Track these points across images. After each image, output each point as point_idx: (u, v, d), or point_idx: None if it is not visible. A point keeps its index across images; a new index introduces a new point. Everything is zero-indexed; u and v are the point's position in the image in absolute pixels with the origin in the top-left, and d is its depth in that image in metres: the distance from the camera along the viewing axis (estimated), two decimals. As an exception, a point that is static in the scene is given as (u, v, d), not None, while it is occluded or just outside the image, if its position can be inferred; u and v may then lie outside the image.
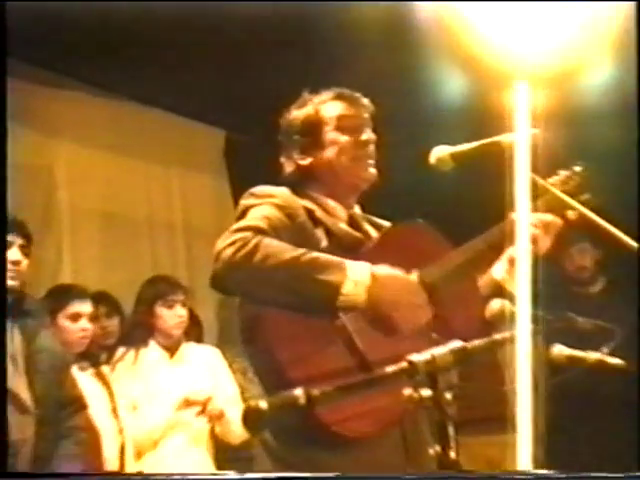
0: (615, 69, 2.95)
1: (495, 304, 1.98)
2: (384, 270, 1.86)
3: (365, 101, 2.12)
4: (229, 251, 1.83)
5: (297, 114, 2.12)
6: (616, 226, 1.91)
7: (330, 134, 2.10)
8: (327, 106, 2.11)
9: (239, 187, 5.17)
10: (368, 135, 2.08)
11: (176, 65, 3.65)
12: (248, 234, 1.85)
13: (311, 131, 2.09)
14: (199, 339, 3.77)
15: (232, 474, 1.73)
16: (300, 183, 2.08)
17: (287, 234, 1.92)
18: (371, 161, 2.09)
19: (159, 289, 3.61)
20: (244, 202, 2.01)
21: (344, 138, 2.09)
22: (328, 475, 1.71)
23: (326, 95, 2.12)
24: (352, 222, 2.10)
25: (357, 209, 2.14)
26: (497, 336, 1.58)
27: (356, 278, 1.83)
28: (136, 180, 4.49)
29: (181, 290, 3.60)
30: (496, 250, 2.00)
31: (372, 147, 2.09)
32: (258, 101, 3.34)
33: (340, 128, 2.09)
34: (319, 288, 1.81)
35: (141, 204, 4.51)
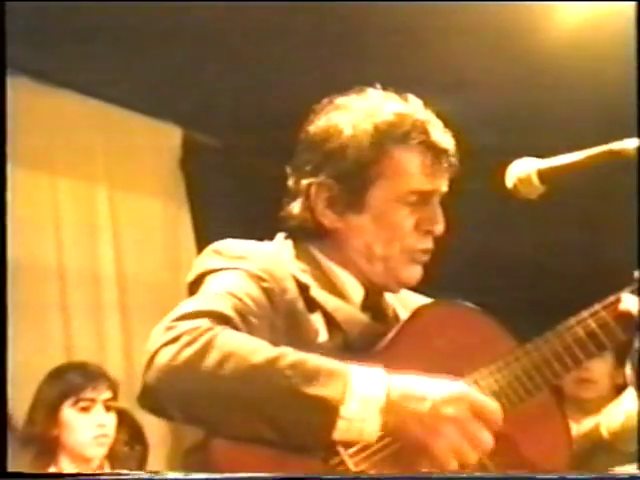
0: (615, 69, 2.76)
1: (615, 414, 1.72)
2: (410, 381, 1.51)
3: (450, 144, 1.76)
4: (168, 352, 1.48)
5: (344, 140, 1.72)
6: None
7: (382, 206, 1.73)
8: (404, 157, 1.72)
9: (204, 218, 4.11)
10: (440, 222, 1.75)
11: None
12: (201, 324, 1.51)
13: (355, 184, 1.72)
14: (141, 460, 3.08)
15: (231, 474, 1.48)
16: (308, 236, 1.77)
17: (264, 322, 1.60)
18: (425, 258, 1.76)
19: (68, 383, 2.94)
20: (202, 262, 1.70)
21: (403, 222, 1.73)
22: (328, 475, 1.49)
23: (405, 132, 1.72)
24: (371, 303, 1.79)
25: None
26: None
27: (364, 393, 1.48)
28: (41, 205, 3.76)
29: (105, 383, 2.98)
30: (598, 343, 1.64)
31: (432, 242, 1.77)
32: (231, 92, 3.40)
33: (403, 205, 1.73)
34: (306, 410, 1.47)
35: (48, 243, 3.76)
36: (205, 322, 1.52)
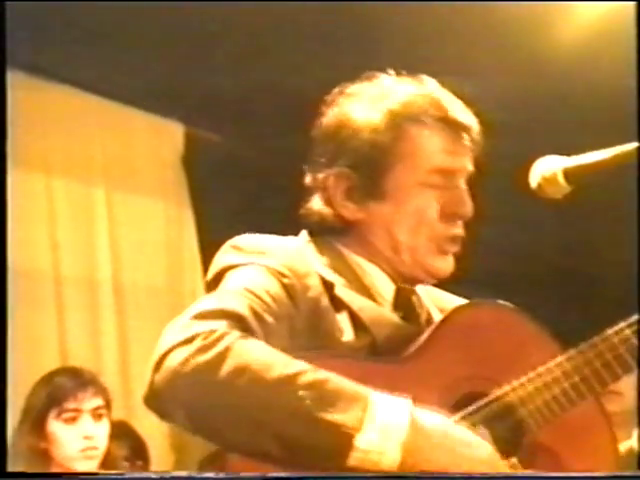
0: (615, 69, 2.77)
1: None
2: (435, 420, 1.44)
3: (475, 125, 1.70)
4: (181, 354, 1.43)
5: (359, 126, 1.67)
6: None
7: (404, 190, 1.67)
8: (422, 134, 1.67)
9: (208, 219, 4.05)
10: (468, 205, 1.68)
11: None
12: (219, 326, 1.46)
13: (373, 169, 1.66)
14: None
15: (230, 474, 1.48)
16: (331, 231, 1.72)
17: (283, 321, 1.54)
18: (455, 247, 1.69)
19: (52, 391, 2.77)
20: (221, 259, 1.65)
21: (426, 205, 1.67)
22: (327, 475, 1.44)
23: (420, 108, 1.68)
24: (402, 301, 1.71)
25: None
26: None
27: (385, 423, 1.41)
28: (36, 205, 3.70)
29: (93, 390, 2.80)
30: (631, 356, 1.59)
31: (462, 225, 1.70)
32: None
33: (426, 187, 1.67)
34: (318, 435, 1.41)
35: (42, 248, 3.72)
36: (222, 325, 1.47)
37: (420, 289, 1.78)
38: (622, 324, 1.63)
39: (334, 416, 1.42)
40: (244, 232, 1.72)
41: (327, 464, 1.44)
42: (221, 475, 1.51)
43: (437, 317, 1.74)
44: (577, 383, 1.58)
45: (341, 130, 1.70)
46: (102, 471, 2.72)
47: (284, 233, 1.73)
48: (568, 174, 1.66)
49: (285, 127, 3.34)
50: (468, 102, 1.76)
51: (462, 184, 1.72)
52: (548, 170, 1.66)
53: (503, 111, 3.78)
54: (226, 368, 1.43)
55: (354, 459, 1.42)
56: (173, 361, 1.44)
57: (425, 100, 1.70)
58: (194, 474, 1.58)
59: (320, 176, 1.72)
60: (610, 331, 1.63)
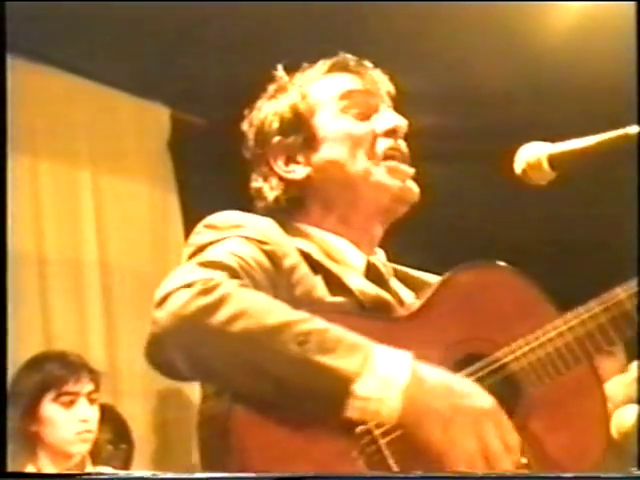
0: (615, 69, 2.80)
1: (629, 413, 1.76)
2: (439, 375, 1.46)
3: (378, 73, 1.83)
4: (182, 296, 1.46)
5: (273, 105, 1.83)
6: None
7: (331, 125, 1.76)
8: (320, 84, 1.81)
9: (194, 203, 4.06)
10: (394, 120, 1.77)
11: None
12: (216, 275, 1.50)
13: (300, 126, 1.78)
14: (125, 461, 3.03)
15: (228, 474, 1.47)
16: (288, 213, 1.77)
17: (268, 284, 1.57)
18: (406, 168, 1.74)
19: (47, 375, 2.80)
20: (196, 239, 1.67)
21: (356, 127, 1.76)
22: (327, 475, 1.46)
23: (315, 69, 1.84)
24: (372, 275, 1.73)
25: (381, 255, 1.82)
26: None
27: (386, 373, 1.42)
28: (20, 188, 3.61)
29: (88, 375, 2.84)
30: (626, 322, 1.60)
31: (403, 141, 1.76)
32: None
33: (346, 112, 1.77)
34: (316, 379, 1.42)
35: (26, 229, 3.67)
36: (219, 274, 1.50)
37: (387, 266, 1.80)
38: (618, 289, 1.63)
39: (334, 362, 1.42)
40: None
41: (325, 410, 1.45)
42: (222, 475, 1.51)
43: (404, 294, 1.75)
44: (573, 346, 1.59)
45: (263, 122, 1.81)
46: (102, 471, 2.79)
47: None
48: (553, 160, 1.66)
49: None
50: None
51: (385, 107, 1.78)
52: (532, 156, 1.66)
53: (501, 109, 3.80)
54: (226, 311, 1.45)
55: (353, 408, 1.42)
56: (174, 303, 1.46)
57: (326, 65, 1.81)
58: (194, 474, 1.57)
59: (258, 157, 1.80)
60: (605, 295, 1.64)
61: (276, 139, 1.78)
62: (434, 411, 1.44)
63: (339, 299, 1.63)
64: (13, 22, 3.34)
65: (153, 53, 3.72)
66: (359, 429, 1.48)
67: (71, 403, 2.81)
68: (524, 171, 1.67)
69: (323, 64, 1.83)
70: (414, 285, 1.79)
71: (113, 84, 3.98)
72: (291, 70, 1.87)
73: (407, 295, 1.76)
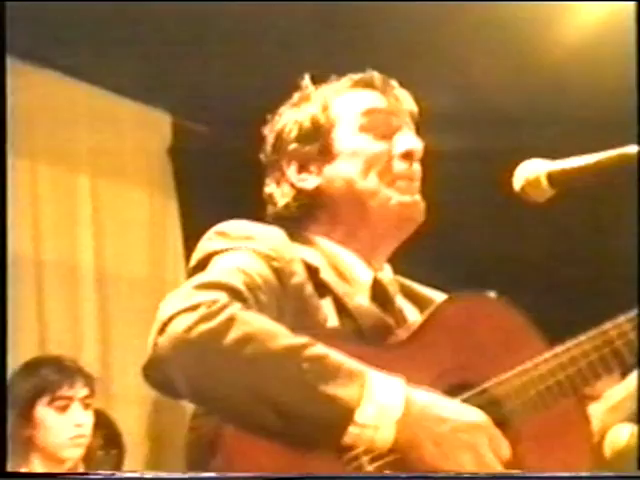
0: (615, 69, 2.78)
1: (621, 433, 1.70)
2: (430, 398, 1.50)
3: (403, 93, 1.86)
4: (185, 320, 1.46)
5: (295, 113, 1.85)
6: None
7: (348, 141, 1.79)
8: (344, 98, 1.83)
9: (193, 210, 4.05)
10: (412, 143, 1.79)
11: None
12: (220, 297, 1.50)
13: (317, 137, 1.81)
14: (117, 465, 3.04)
15: (233, 474, 1.48)
16: (298, 220, 1.80)
17: (273, 303, 1.58)
18: (416, 184, 1.78)
19: (42, 379, 2.84)
20: (206, 245, 1.68)
21: (372, 146, 1.78)
22: (327, 475, 1.47)
23: (341, 83, 1.86)
24: (378, 292, 1.76)
25: (388, 270, 1.83)
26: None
27: (383, 400, 1.46)
28: (19, 192, 3.59)
29: (82, 380, 2.88)
30: (615, 359, 1.63)
31: (418, 164, 1.79)
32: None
33: (366, 130, 1.79)
34: (319, 407, 1.44)
35: (24, 231, 3.67)
36: (223, 296, 1.49)
37: (394, 282, 1.81)
38: (608, 324, 1.64)
39: (335, 390, 1.44)
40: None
41: (324, 437, 1.46)
42: (221, 475, 1.52)
43: (409, 312, 1.78)
44: (562, 381, 1.60)
45: (282, 129, 1.83)
46: (101, 471, 2.80)
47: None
48: (552, 178, 1.67)
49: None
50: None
51: (407, 129, 1.79)
52: (532, 173, 1.68)
53: (502, 110, 3.81)
54: (231, 337, 1.45)
55: (350, 434, 1.45)
56: (177, 327, 1.46)
57: (353, 80, 1.83)
58: (193, 474, 1.57)
59: (273, 162, 1.83)
60: (595, 331, 1.64)
61: (292, 146, 1.80)
62: (427, 430, 1.46)
63: (338, 324, 1.64)
64: (13, 23, 3.39)
65: (156, 58, 3.70)
66: (348, 455, 1.48)
67: (65, 408, 2.85)
68: (523, 188, 1.69)
69: (349, 78, 1.85)
70: (420, 302, 1.81)
71: (115, 89, 3.97)
72: (319, 81, 1.88)
73: (411, 313, 1.78)
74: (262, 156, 1.89)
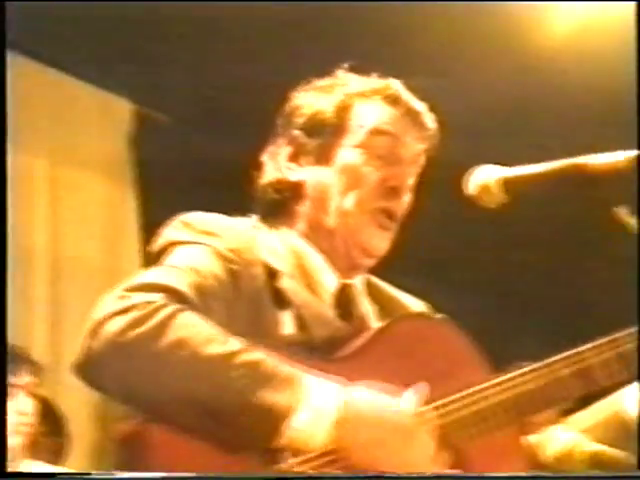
0: (615, 69, 2.85)
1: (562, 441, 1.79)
2: (365, 396, 1.52)
3: (426, 117, 1.78)
4: (117, 323, 1.45)
5: (312, 99, 1.78)
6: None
7: (346, 152, 1.74)
8: (360, 107, 1.77)
9: (152, 199, 4.03)
10: (404, 179, 1.73)
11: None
12: (156, 298, 1.48)
13: (321, 134, 1.76)
14: (60, 455, 3.00)
15: (228, 474, 1.50)
16: (275, 206, 1.77)
17: (223, 306, 1.56)
18: (394, 224, 1.74)
19: None
20: (170, 233, 1.66)
21: (365, 168, 1.72)
22: (328, 475, 1.49)
23: (366, 86, 1.78)
24: (341, 299, 1.74)
25: (359, 281, 1.79)
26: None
27: (319, 405, 1.47)
28: None
29: (28, 368, 2.86)
30: (558, 392, 1.61)
31: (405, 199, 1.75)
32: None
33: (367, 148, 1.73)
34: (254, 413, 1.45)
35: None
36: (159, 298, 1.48)
37: (363, 282, 1.79)
38: (556, 357, 1.62)
39: (270, 396, 1.45)
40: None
41: (259, 441, 1.46)
42: (215, 474, 1.51)
43: (374, 317, 1.76)
44: (500, 410, 1.58)
45: (297, 109, 1.78)
46: (100, 471, 2.66)
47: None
48: (505, 184, 1.67)
49: (241, 116, 3.34)
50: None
51: (408, 163, 1.74)
52: (484, 179, 1.68)
53: (500, 110, 3.81)
54: (166, 340, 1.44)
55: (285, 438, 1.45)
56: (109, 329, 1.45)
57: (379, 86, 1.77)
58: (192, 474, 1.55)
59: (280, 130, 1.79)
60: (540, 363, 1.63)
61: (296, 132, 1.76)
62: (366, 433, 1.48)
63: (291, 333, 1.62)
64: (12, 22, 3.36)
65: (119, 45, 3.67)
66: (280, 456, 1.48)
67: (9, 395, 2.77)
68: (475, 193, 1.68)
69: (376, 83, 1.79)
70: (388, 307, 1.79)
71: (76, 74, 3.94)
72: (360, 71, 1.82)
73: (376, 319, 1.75)
74: (277, 120, 1.82)
